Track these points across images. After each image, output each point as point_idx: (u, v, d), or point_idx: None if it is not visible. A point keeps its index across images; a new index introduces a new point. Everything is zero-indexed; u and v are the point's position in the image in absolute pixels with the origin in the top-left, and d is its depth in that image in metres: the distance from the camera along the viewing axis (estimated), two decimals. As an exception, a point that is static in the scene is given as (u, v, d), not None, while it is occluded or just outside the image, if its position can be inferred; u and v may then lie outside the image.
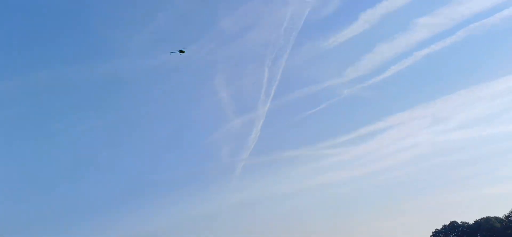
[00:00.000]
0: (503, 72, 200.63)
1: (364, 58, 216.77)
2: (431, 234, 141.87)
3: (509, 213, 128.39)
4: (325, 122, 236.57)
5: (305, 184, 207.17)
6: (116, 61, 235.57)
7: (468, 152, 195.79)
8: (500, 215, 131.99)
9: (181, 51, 56.94)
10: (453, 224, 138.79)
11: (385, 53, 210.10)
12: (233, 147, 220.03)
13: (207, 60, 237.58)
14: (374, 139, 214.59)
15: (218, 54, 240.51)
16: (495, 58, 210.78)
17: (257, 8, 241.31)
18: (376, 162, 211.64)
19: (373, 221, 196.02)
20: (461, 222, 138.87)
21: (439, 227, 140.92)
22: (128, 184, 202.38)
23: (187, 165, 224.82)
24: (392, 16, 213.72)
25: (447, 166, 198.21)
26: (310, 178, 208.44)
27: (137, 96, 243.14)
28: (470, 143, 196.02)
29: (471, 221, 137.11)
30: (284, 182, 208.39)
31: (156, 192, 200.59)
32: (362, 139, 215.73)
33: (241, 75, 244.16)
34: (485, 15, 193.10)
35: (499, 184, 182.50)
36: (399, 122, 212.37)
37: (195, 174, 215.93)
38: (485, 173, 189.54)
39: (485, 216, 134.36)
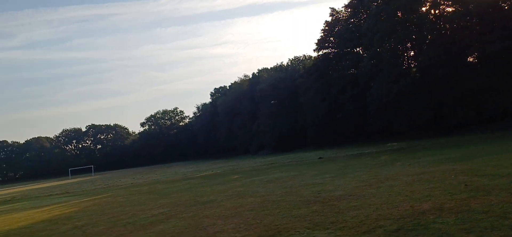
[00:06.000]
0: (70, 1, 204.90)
1: None
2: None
3: (59, 134, 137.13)
4: None
5: None
6: None
7: (27, 73, 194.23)
8: (51, 136, 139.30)
9: None
10: (3, 143, 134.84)
11: None
12: None
13: None
14: None
15: None
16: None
17: None
18: None
19: None
20: (11, 141, 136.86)
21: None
22: None
23: None
24: None
25: (5, 84, 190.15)
26: None
27: None
28: (31, 64, 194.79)
29: (22, 141, 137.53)
30: None
31: None
32: None
33: None
34: None
35: (52, 107, 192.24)
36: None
37: None
38: (42, 96, 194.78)
39: (36, 136, 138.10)
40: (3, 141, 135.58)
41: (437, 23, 42.39)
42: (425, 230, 6.34)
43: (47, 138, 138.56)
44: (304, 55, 75.42)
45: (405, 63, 45.82)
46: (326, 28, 54.53)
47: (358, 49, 52.54)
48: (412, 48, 45.49)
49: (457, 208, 7.52)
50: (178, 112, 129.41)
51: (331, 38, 54.27)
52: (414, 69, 45.03)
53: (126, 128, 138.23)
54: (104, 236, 9.56)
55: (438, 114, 39.60)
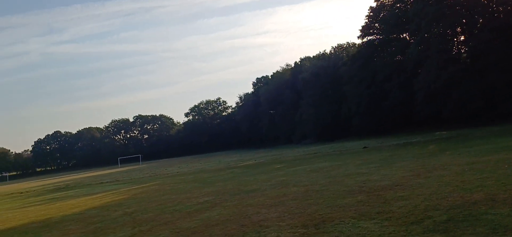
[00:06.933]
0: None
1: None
2: (33, 143, 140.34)
3: (108, 125, 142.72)
4: None
5: None
6: None
7: (77, 66, 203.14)
8: (101, 126, 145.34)
9: None
10: (57, 133, 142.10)
11: None
12: None
13: None
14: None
15: None
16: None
17: None
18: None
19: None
20: (64, 131, 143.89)
21: (42, 137, 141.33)
22: None
23: None
24: None
25: (55, 78, 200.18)
26: None
27: None
28: (80, 58, 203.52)
29: (74, 131, 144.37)
30: None
31: None
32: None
33: None
34: None
35: (101, 99, 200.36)
36: (9, 26, 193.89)
37: None
38: (91, 88, 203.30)
39: (87, 127, 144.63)
40: (56, 131, 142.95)
41: (489, 5, 40.23)
42: (476, 222, 6.10)
43: (97, 128, 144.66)
44: (347, 42, 73.87)
45: (454, 49, 43.89)
46: (371, 14, 53.10)
47: (404, 35, 50.86)
48: (462, 33, 43.45)
49: (511, 199, 7.17)
50: (221, 102, 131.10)
51: (376, 24, 52.82)
52: (464, 55, 43.07)
53: (171, 119, 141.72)
54: (152, 222, 9.90)
55: (490, 101, 37.72)
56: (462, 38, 43.75)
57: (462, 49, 43.85)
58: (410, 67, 44.96)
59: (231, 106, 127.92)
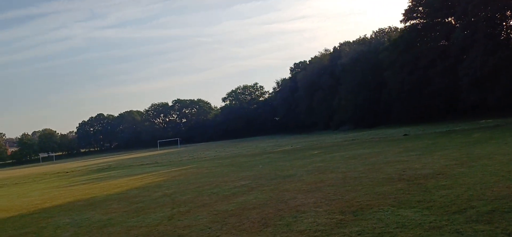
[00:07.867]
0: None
1: None
2: (78, 125, 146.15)
3: (148, 108, 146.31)
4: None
5: None
6: None
7: (118, 51, 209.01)
8: (141, 109, 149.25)
9: None
10: (100, 116, 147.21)
11: None
12: None
13: None
14: (26, 25, 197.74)
15: None
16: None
17: None
18: (27, 50, 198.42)
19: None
20: (107, 114, 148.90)
21: (86, 119, 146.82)
22: None
23: None
24: None
25: (98, 62, 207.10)
26: None
27: None
28: (122, 42, 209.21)
29: (116, 114, 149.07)
30: None
31: None
32: (13, 22, 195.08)
33: None
34: None
35: (142, 83, 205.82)
36: (54, 11, 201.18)
37: None
38: (132, 72, 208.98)
39: (128, 110, 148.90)
40: (99, 114, 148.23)
41: (543, -14, 37.88)
42: (524, 214, 5.83)
43: (138, 111, 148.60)
44: (389, 26, 71.69)
45: (503, 33, 41.75)
46: (414, -4, 51.26)
47: (449, 19, 48.81)
48: (511, 17, 41.22)
49: None
50: (258, 87, 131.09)
51: (420, 8, 50.95)
52: (514, 40, 40.92)
53: (208, 103, 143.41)
54: (191, 204, 10.11)
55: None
56: (512, 22, 41.55)
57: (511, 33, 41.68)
58: (455, 52, 43.23)
59: (268, 91, 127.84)
